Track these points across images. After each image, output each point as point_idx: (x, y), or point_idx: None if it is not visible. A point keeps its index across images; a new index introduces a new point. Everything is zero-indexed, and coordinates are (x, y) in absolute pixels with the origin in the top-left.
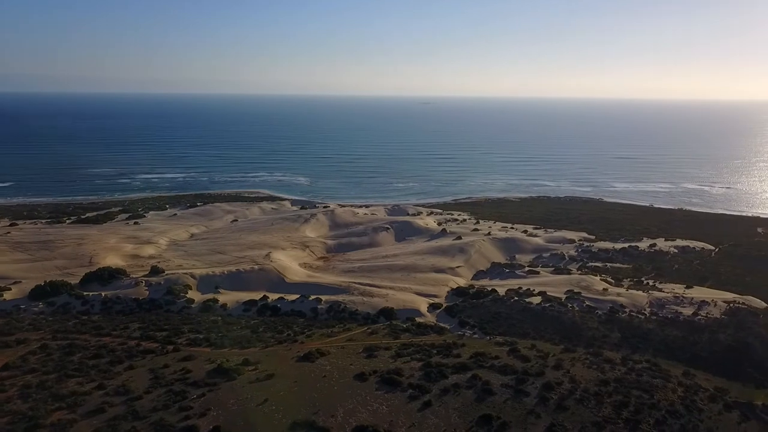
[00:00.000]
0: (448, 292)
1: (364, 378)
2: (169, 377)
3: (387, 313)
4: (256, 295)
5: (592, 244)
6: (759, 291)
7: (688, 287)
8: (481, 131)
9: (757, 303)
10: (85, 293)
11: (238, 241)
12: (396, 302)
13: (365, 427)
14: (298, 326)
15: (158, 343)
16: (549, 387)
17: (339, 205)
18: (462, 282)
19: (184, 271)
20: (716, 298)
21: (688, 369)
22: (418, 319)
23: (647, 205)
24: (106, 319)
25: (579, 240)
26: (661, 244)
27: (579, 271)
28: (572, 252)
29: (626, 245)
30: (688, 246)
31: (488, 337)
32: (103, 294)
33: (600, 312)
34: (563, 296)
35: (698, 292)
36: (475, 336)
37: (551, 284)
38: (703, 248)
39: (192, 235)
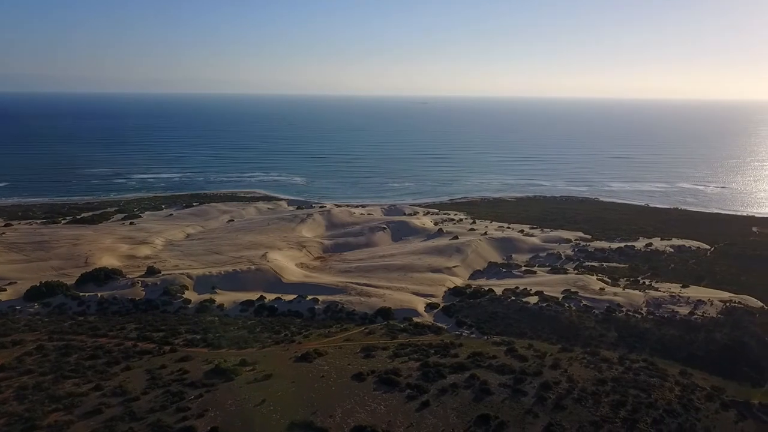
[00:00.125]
0: (445, 291)
1: (361, 378)
2: (166, 378)
3: (384, 313)
4: (253, 296)
5: (588, 243)
6: (754, 290)
7: (684, 286)
8: (477, 131)
9: (753, 302)
10: (81, 294)
11: (234, 241)
12: (393, 302)
13: (363, 428)
14: (295, 326)
15: (155, 344)
16: (547, 386)
17: (335, 205)
18: (459, 282)
19: (181, 271)
20: (712, 297)
21: (684, 368)
22: (415, 319)
23: (643, 204)
24: (102, 320)
25: (575, 239)
26: (657, 243)
27: (575, 271)
28: (569, 251)
29: (622, 245)
30: (684, 245)
31: (486, 337)
32: (99, 294)
33: (597, 311)
34: (560, 296)
35: (694, 292)
36: (473, 336)
37: (548, 284)
38: (698, 247)
39: (188, 236)
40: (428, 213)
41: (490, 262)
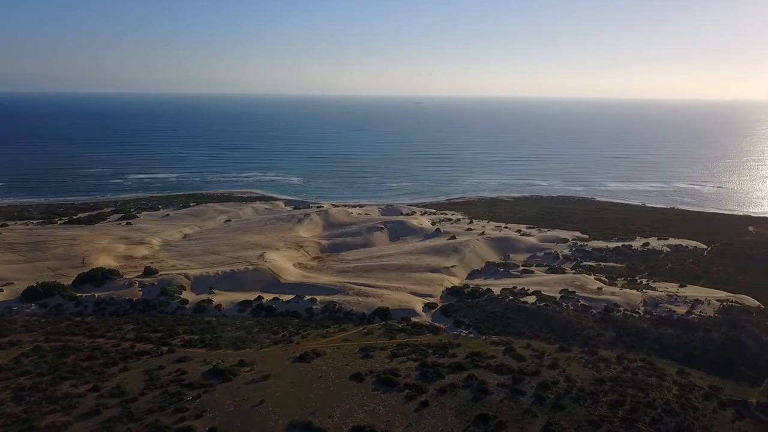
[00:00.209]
0: (443, 291)
1: (360, 378)
2: (164, 379)
3: (382, 313)
4: (251, 296)
5: (585, 243)
6: (751, 289)
7: (681, 286)
8: (475, 131)
9: (750, 301)
10: (78, 294)
11: (231, 241)
12: (391, 302)
13: (362, 428)
14: (293, 327)
15: (153, 345)
16: (545, 386)
17: (333, 205)
18: (457, 281)
19: (178, 271)
20: (709, 296)
21: (682, 367)
22: (413, 319)
23: (640, 204)
24: (99, 321)
25: (572, 239)
26: (654, 243)
27: (573, 271)
28: (566, 251)
29: (619, 244)
30: (681, 245)
31: (484, 337)
32: (96, 295)
33: (594, 311)
34: (558, 295)
35: (691, 291)
36: (471, 335)
37: (546, 283)
38: (695, 247)
39: (185, 236)
40: (425, 213)
41: (487, 261)
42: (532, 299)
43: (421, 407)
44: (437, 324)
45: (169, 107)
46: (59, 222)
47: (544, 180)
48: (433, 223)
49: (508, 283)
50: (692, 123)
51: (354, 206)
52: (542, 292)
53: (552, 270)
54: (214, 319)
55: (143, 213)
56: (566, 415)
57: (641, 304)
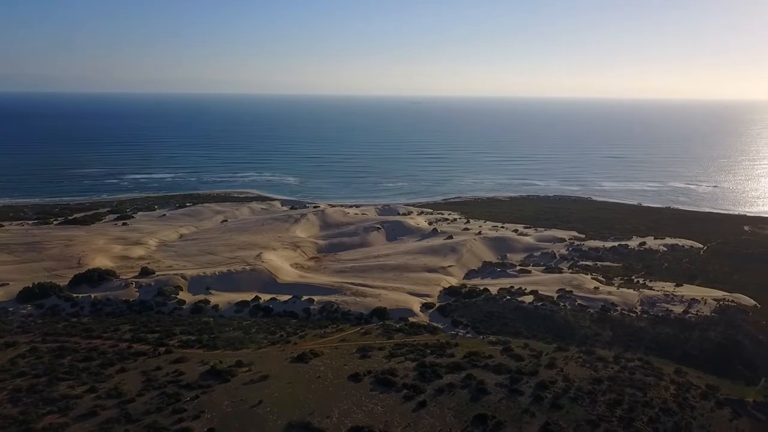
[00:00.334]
0: (440, 291)
1: (358, 378)
2: (161, 379)
3: (380, 313)
4: (248, 296)
5: (582, 242)
6: (747, 289)
7: (678, 285)
8: (473, 131)
9: (746, 301)
10: (74, 295)
11: (228, 241)
12: (389, 302)
13: (360, 428)
14: (290, 327)
15: (150, 345)
16: (543, 386)
17: (329, 205)
18: (454, 281)
19: (175, 272)
20: (706, 296)
21: (679, 366)
22: (411, 319)
23: (636, 203)
24: (96, 321)
25: (569, 239)
26: (651, 242)
27: (570, 270)
28: (563, 251)
29: (616, 244)
30: (677, 244)
31: (481, 337)
32: (92, 296)
33: (592, 310)
34: (555, 295)
35: (688, 290)
36: (469, 335)
37: (543, 283)
38: (691, 246)
39: (181, 236)
40: (422, 213)
41: (484, 261)
42: (529, 299)
43: (420, 407)
44: (435, 324)
45: (168, 107)
46: (55, 222)
47: (540, 180)
48: (430, 223)
49: (505, 282)
50: (689, 123)
51: (351, 206)
52: (539, 292)
53: (549, 270)
54: (211, 319)
55: (139, 213)
56: (564, 415)
57: (638, 303)
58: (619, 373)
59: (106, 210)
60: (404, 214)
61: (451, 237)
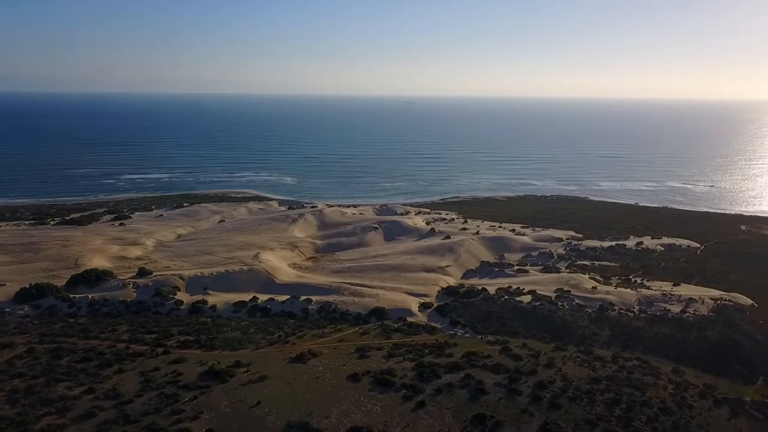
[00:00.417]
0: (438, 291)
1: (357, 379)
2: (159, 380)
3: (378, 313)
4: (246, 296)
5: (579, 242)
6: (744, 288)
7: (675, 285)
8: (471, 131)
9: (743, 300)
10: (71, 296)
11: (225, 241)
12: (387, 302)
13: (359, 428)
14: (289, 327)
15: (148, 346)
16: (542, 385)
17: (327, 205)
18: (452, 281)
19: (172, 272)
20: (703, 295)
21: (677, 366)
22: (409, 319)
23: (633, 203)
24: (93, 322)
25: (567, 238)
26: (648, 242)
27: (567, 270)
28: (560, 250)
29: (613, 243)
30: (674, 244)
31: (480, 336)
32: (90, 296)
33: (590, 310)
34: (553, 295)
35: (685, 290)
36: (467, 335)
37: (541, 283)
38: (688, 246)
39: (179, 236)
40: (420, 213)
41: (482, 261)
42: (527, 299)
43: (419, 407)
44: (433, 324)
45: (168, 107)
46: (51, 223)
47: (538, 179)
48: (428, 223)
49: (503, 282)
50: (687, 122)
51: (348, 206)
52: (537, 292)
53: (547, 269)
54: (209, 319)
55: (136, 213)
56: (563, 415)
57: (636, 303)
58: (618, 373)
59: (102, 210)
60: (402, 214)
61: (448, 237)
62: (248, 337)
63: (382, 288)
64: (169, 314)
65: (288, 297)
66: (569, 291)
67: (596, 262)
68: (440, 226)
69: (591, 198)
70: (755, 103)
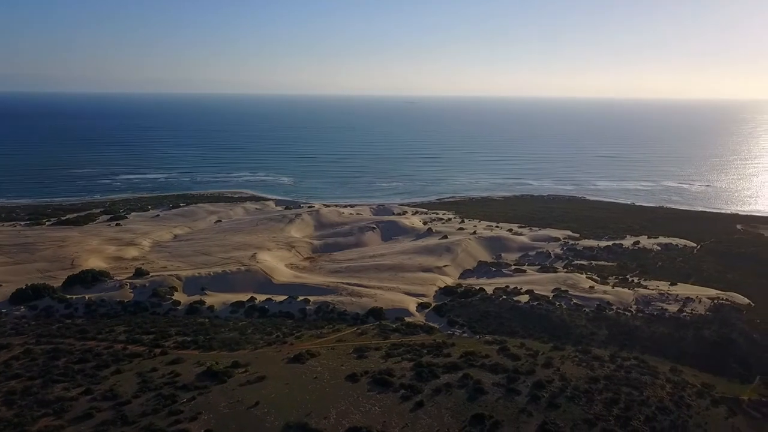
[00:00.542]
0: (436, 291)
1: (355, 379)
2: (157, 381)
3: (376, 313)
4: (243, 297)
5: (576, 242)
6: (740, 287)
7: (672, 284)
8: (469, 131)
9: (740, 299)
10: (68, 296)
11: (222, 241)
12: (385, 302)
13: (358, 429)
14: (287, 327)
15: (145, 347)
16: (540, 385)
17: (324, 205)
18: (449, 281)
19: (169, 272)
20: (700, 294)
21: (675, 365)
22: (407, 319)
23: (629, 203)
24: (90, 323)
25: (564, 238)
26: (645, 241)
27: (565, 269)
28: (557, 250)
29: (610, 243)
30: (671, 243)
31: (478, 336)
32: (86, 297)
33: (587, 310)
34: (550, 294)
35: (682, 289)
36: (465, 335)
37: (538, 282)
38: (685, 245)
39: (175, 236)
40: (417, 212)
41: (479, 261)
42: (525, 298)
43: (417, 407)
44: (431, 324)
45: (168, 107)
46: (47, 223)
47: (535, 179)
48: (425, 223)
49: (500, 282)
50: (683, 122)
51: (345, 206)
52: (535, 291)
53: (544, 269)
54: (206, 320)
55: (132, 214)
56: (561, 414)
57: (633, 302)
58: (616, 372)
59: (99, 210)
60: (399, 214)
61: (446, 237)
62: (246, 337)
63: (379, 288)
64: (166, 315)
65: (285, 297)
66: (567, 291)
67: (593, 262)
68: (437, 226)
69: (588, 198)
70: (750, 102)
